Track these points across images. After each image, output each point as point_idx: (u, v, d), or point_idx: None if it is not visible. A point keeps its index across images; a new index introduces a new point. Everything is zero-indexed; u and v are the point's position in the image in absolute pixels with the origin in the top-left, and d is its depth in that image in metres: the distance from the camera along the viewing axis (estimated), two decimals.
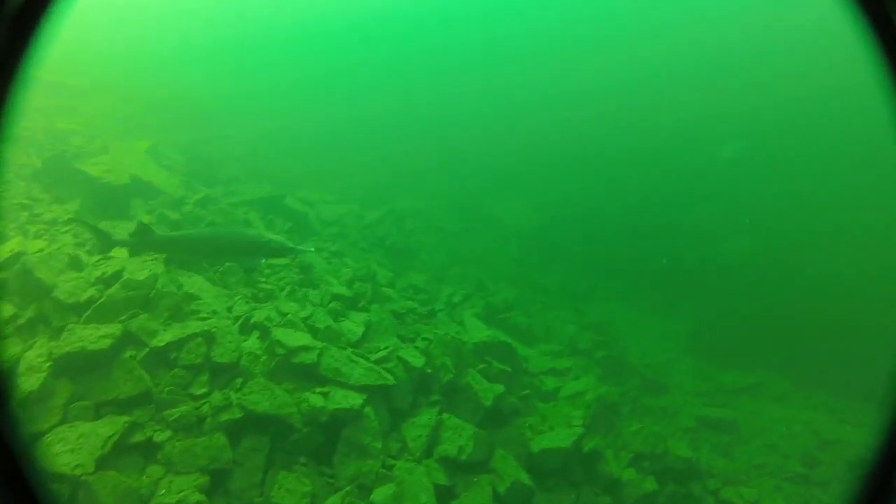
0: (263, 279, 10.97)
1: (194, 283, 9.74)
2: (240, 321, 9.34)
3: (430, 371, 9.55)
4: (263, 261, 9.22)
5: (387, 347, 9.58)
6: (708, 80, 28.41)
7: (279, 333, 8.85)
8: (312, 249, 10.33)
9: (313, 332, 9.35)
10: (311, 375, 8.58)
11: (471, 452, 8.55)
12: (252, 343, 8.86)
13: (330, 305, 10.39)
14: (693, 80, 28.38)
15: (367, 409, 8.41)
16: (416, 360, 9.46)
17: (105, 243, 9.26)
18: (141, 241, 8.98)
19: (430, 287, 14.06)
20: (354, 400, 8.34)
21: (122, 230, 10.67)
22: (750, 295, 17.60)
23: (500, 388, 9.71)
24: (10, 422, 1.38)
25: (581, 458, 9.53)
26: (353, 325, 9.98)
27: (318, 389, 8.40)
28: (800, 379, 14.91)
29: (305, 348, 8.70)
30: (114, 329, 8.14)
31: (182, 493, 6.88)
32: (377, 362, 9.19)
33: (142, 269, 9.16)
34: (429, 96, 33.87)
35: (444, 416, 9.06)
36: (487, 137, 27.61)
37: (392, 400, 9.01)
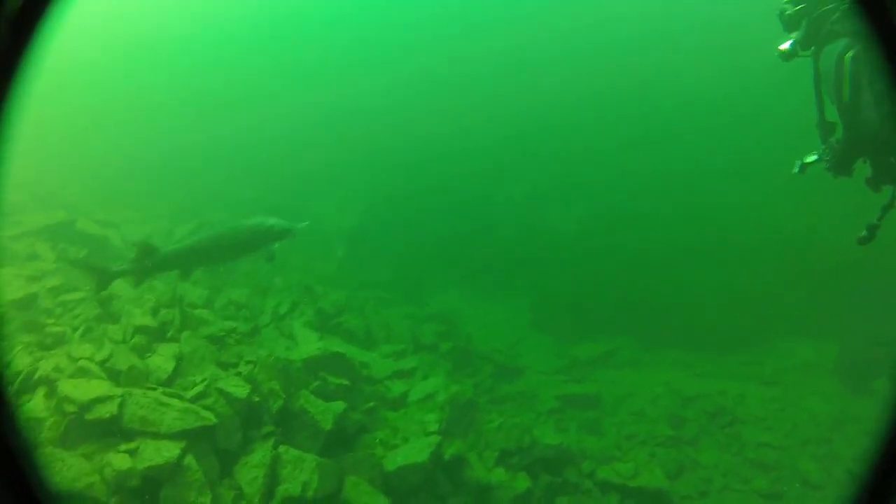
0: (52, 320, 9.28)
1: None
2: (19, 379, 7.72)
3: (257, 400, 8.26)
4: (276, 246, 8.81)
5: (203, 380, 8.18)
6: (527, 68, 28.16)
7: (67, 386, 7.29)
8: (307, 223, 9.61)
9: (113, 376, 7.84)
10: (113, 431, 7.10)
11: (317, 487, 7.38)
12: (36, 404, 7.28)
13: (133, 341, 8.78)
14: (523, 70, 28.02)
15: (188, 460, 7.04)
16: (240, 391, 8.12)
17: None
18: (144, 264, 8.51)
19: (252, 301, 12.64)
20: (170, 452, 6.95)
21: None
22: (585, 264, 17.31)
23: (339, 405, 8.57)
24: (11, 422, 1.32)
25: (443, 467, 8.59)
26: (162, 359, 8.47)
27: (123, 447, 6.94)
28: (647, 339, 14.79)
29: (101, 399, 7.18)
30: None
31: None
32: (194, 400, 7.80)
33: None
34: (247, 100, 32.07)
35: (281, 448, 7.81)
36: (308, 138, 26.22)
37: (218, 441, 7.66)
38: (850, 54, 4.92)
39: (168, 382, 8.15)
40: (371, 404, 9.49)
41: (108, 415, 7.06)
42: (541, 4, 30.45)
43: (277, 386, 8.42)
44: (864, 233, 5.29)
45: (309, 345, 10.22)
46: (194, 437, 7.32)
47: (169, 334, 9.23)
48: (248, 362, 9.10)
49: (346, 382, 9.30)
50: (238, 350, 9.51)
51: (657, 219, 17.86)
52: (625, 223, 18.25)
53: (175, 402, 7.56)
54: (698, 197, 17.95)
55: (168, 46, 41.01)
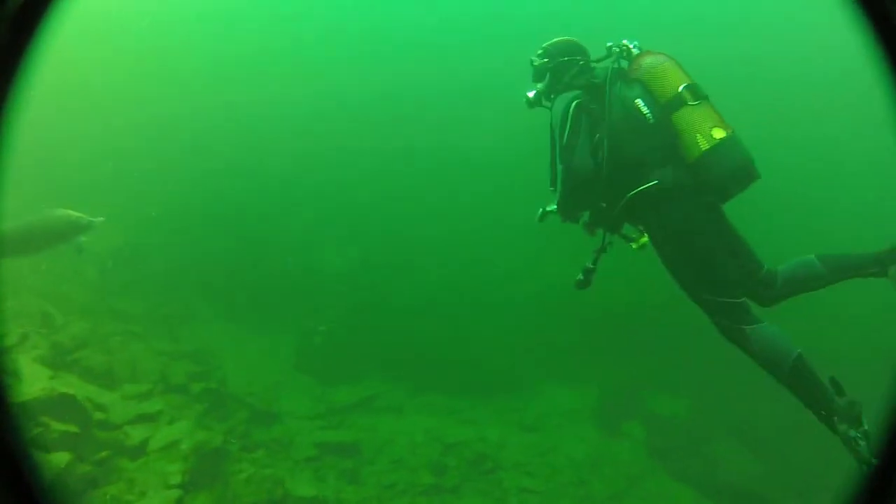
0: None
1: None
2: None
3: None
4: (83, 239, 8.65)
5: None
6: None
7: None
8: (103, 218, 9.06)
9: None
10: None
11: None
12: None
13: None
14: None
15: None
16: None
17: None
18: None
19: None
20: None
21: None
22: (353, 304, 16.92)
23: (63, 457, 7.51)
24: (11, 422, 1.34)
25: None
26: None
27: None
28: (413, 384, 14.62)
29: None
30: None
31: None
32: None
33: None
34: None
35: None
36: (79, 141, 23.97)
37: None
38: (575, 103, 5.25)
39: None
40: (104, 453, 8.46)
41: None
42: None
43: None
44: (580, 276, 5.45)
45: (34, 384, 8.98)
46: None
47: None
48: None
49: (74, 429, 8.21)
50: None
51: (431, 264, 17.90)
52: (398, 266, 18.13)
53: None
54: (470, 243, 18.17)
55: None
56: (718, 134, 4.89)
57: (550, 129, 5.45)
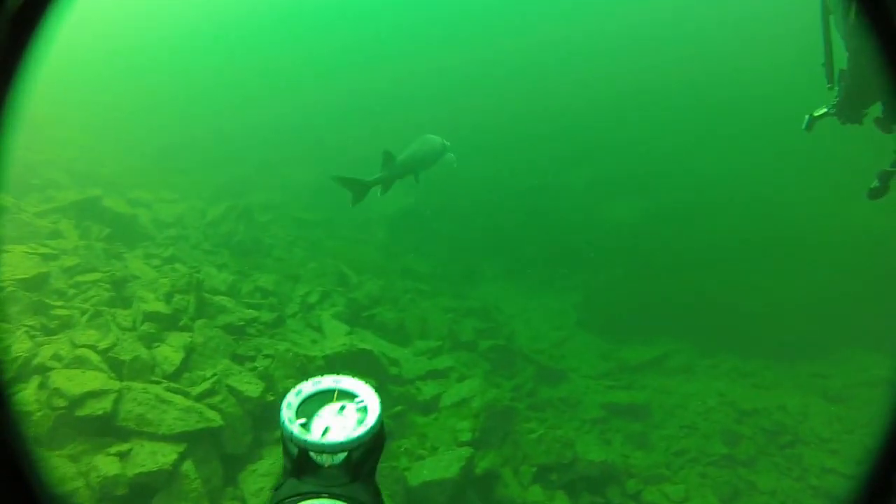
0: (61, 302, 8.59)
1: None
2: (16, 367, 7.02)
3: (272, 399, 7.50)
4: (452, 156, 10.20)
5: (214, 375, 7.44)
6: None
7: (60, 378, 6.58)
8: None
9: (115, 367, 7.13)
10: (107, 430, 6.37)
11: None
12: (27, 396, 6.57)
13: (142, 328, 8.05)
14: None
15: (186, 466, 6.30)
16: (252, 389, 7.39)
17: None
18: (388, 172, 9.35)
19: (281, 289, 11.85)
20: (166, 456, 6.22)
21: None
22: (639, 261, 16.19)
23: None
24: (11, 422, 1.26)
25: (474, 483, 7.75)
26: (171, 350, 7.73)
27: (114, 449, 6.20)
28: (703, 344, 13.63)
29: (95, 394, 6.46)
30: None
31: None
32: (200, 398, 7.06)
33: None
34: (288, 86, 31.54)
35: None
36: (348, 121, 25.42)
37: (223, 445, 6.92)
38: None
39: (174, 376, 7.43)
40: (399, 408, 8.69)
41: (100, 412, 6.36)
42: None
43: (294, 385, 7.64)
44: (875, 183, 4.76)
45: (335, 339, 9.39)
46: (196, 440, 6.59)
47: (182, 322, 8.49)
48: (265, 356, 8.36)
49: (371, 383, 8.46)
50: (256, 342, 8.77)
51: (722, 217, 16.64)
52: (687, 220, 17.06)
53: (178, 399, 6.83)
54: (768, 194, 16.72)
55: (210, 32, 40.76)
56: None
57: (821, 8, 4.73)
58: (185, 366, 7.63)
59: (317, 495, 1.49)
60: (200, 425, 6.59)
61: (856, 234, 14.30)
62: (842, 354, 12.99)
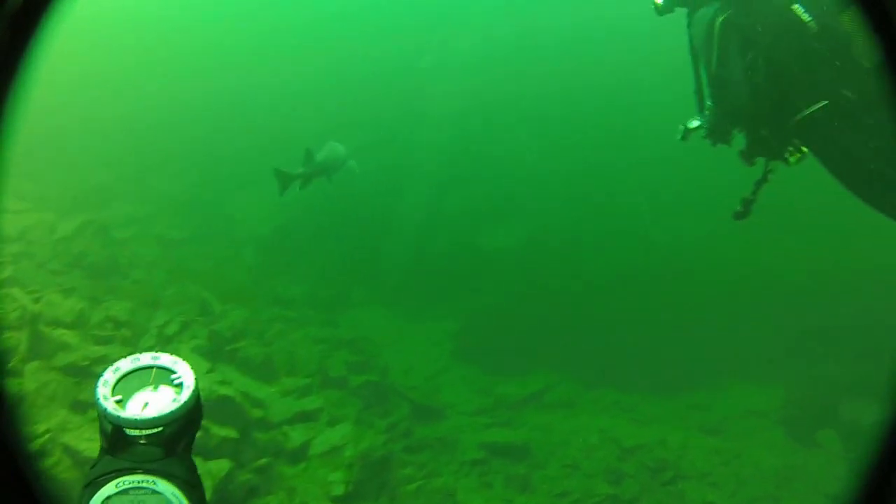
0: None
1: None
2: None
3: None
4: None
5: (47, 432, 6.44)
6: None
7: None
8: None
9: None
10: None
11: None
12: None
13: None
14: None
15: None
16: (93, 449, 6.41)
17: None
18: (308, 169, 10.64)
19: (136, 318, 10.78)
20: None
21: None
22: (518, 289, 15.88)
23: (223, 465, 6.93)
24: (10, 421, 1.24)
25: None
26: None
27: None
28: (584, 376, 13.38)
29: None
30: None
31: None
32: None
33: None
34: (154, 89, 29.57)
35: None
36: (221, 129, 24.11)
37: None
38: (720, 20, 4.62)
39: None
40: (264, 460, 7.87)
41: None
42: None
43: None
44: (738, 208, 5.17)
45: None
46: None
47: (11, 364, 7.40)
48: None
49: (233, 434, 7.62)
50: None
51: (604, 247, 16.57)
52: (569, 248, 16.90)
53: None
54: (647, 224, 16.79)
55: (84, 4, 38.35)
56: None
57: (690, 43, 4.92)
58: None
59: (131, 471, 1.48)
60: None
61: (735, 265, 14.51)
62: (719, 385, 13.08)
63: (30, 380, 7.12)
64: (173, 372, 1.68)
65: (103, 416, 1.58)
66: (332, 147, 11.15)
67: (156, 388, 1.64)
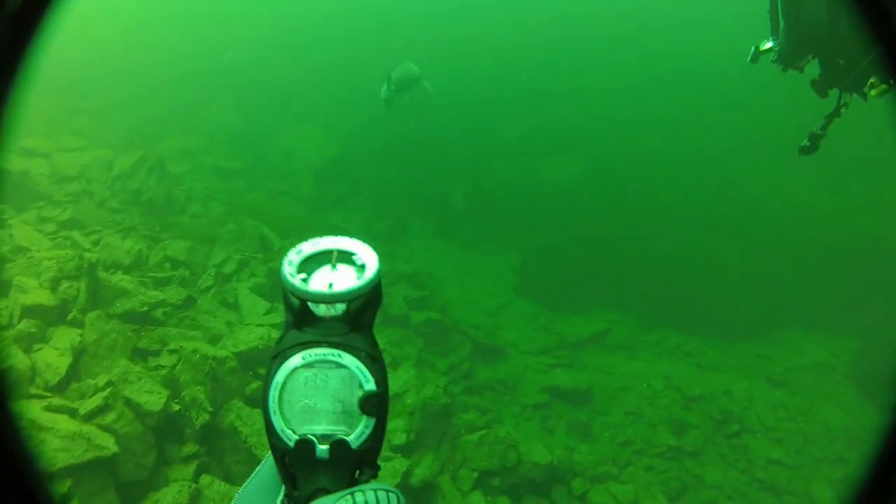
0: None
1: None
2: None
3: (177, 409, 6.48)
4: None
5: (109, 385, 6.35)
6: None
7: None
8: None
9: None
10: None
11: None
12: None
13: (19, 327, 6.87)
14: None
15: None
16: (154, 400, 6.31)
17: None
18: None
19: (193, 257, 10.64)
20: None
21: None
22: (578, 224, 15.46)
23: None
24: (10, 421, 1.24)
25: (410, 495, 6.91)
26: (56, 354, 6.60)
27: None
28: (645, 317, 13.01)
29: None
30: None
31: None
32: (89, 417, 6.00)
33: None
34: (205, 25, 29.38)
35: (203, 480, 6.09)
36: (276, 59, 23.85)
37: (119, 472, 5.91)
38: None
39: (59, 387, 6.31)
40: None
41: None
42: None
43: (202, 394, 6.60)
44: (805, 142, 4.87)
45: (249, 333, 8.24)
46: (85, 473, 5.55)
47: (70, 316, 7.31)
48: (171, 351, 7.28)
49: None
50: (161, 333, 7.67)
51: (670, 184, 16.01)
52: (633, 183, 16.33)
53: (62, 421, 5.76)
54: (717, 166, 16.19)
55: None
56: None
57: None
58: (72, 373, 6.53)
59: (317, 344, 1.52)
60: (89, 455, 5.55)
61: (800, 213, 13.93)
62: (780, 334, 12.57)
63: (89, 330, 7.03)
64: (354, 254, 1.68)
65: (291, 291, 1.57)
66: (407, 66, 11.94)
67: (335, 268, 1.63)
